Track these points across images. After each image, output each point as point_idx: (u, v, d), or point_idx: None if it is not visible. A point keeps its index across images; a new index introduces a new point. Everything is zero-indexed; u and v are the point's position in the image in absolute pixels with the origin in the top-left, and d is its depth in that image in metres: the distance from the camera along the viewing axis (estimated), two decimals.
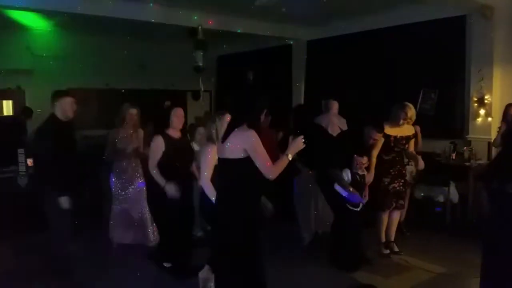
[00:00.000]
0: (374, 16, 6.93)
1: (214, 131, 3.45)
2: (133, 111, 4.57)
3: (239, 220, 2.75)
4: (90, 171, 5.37)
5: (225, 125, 3.32)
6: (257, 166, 2.67)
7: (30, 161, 5.30)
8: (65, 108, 3.83)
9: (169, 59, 8.89)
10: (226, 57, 10.08)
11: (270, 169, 2.69)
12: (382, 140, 4.29)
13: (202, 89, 6.91)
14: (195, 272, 3.67)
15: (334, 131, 5.09)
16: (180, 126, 4.04)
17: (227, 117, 3.41)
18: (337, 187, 4.09)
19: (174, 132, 4.00)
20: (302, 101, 8.36)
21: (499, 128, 5.00)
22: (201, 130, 4.90)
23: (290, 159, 2.75)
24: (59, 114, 3.84)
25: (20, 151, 5.18)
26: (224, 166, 2.83)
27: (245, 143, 2.68)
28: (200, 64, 6.49)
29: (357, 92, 7.17)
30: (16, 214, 5.26)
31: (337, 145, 4.35)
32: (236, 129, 2.73)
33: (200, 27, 6.54)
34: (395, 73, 6.82)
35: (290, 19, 7.53)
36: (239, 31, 7.31)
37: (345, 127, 5.27)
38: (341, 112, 6.07)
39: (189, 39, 6.84)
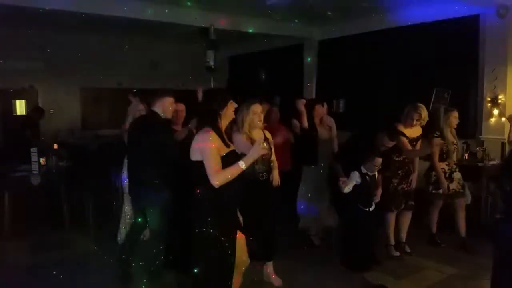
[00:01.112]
0: (387, 16, 6.88)
1: (241, 120, 3.44)
2: (181, 107, 4.34)
3: (199, 224, 2.63)
4: (103, 171, 5.45)
5: (251, 115, 3.41)
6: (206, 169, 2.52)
7: (43, 160, 5.39)
8: (166, 108, 3.70)
9: (181, 59, 8.95)
10: (238, 57, 10.09)
11: (215, 175, 2.51)
12: (439, 145, 4.41)
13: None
14: None
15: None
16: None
17: (255, 107, 3.47)
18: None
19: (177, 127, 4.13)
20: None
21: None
22: None
23: (244, 168, 2.56)
24: (159, 112, 3.67)
25: (33, 150, 5.26)
26: (189, 168, 2.69)
27: (199, 144, 2.59)
28: (212, 64, 6.51)
29: (369, 92, 7.13)
30: (30, 212, 5.37)
31: (349, 146, 4.35)
32: (200, 130, 2.67)
33: (212, 27, 6.56)
34: (407, 72, 6.77)
35: (301, 19, 7.52)
36: (250, 31, 7.32)
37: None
38: (352, 112, 6.10)
39: (201, 39, 6.88)
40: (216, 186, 2.53)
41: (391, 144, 4.10)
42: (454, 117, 4.67)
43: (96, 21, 6.68)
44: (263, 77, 8.59)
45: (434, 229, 4.85)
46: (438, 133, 4.55)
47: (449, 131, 4.63)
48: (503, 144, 5.50)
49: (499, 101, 5.75)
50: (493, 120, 5.82)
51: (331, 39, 8.15)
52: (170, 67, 9.07)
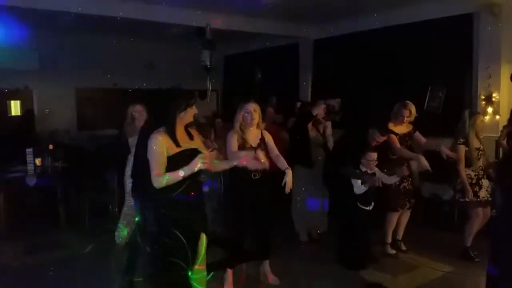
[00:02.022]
0: (382, 15, 6.90)
1: (235, 119, 3.51)
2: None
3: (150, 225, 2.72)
4: (99, 171, 5.43)
5: (243, 113, 3.46)
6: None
7: (38, 161, 5.38)
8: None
9: (176, 59, 8.94)
10: (234, 57, 10.10)
11: (154, 178, 2.59)
12: (463, 151, 4.23)
13: (210, 89, 6.94)
14: None
15: None
16: None
17: (248, 105, 3.51)
18: (355, 183, 4.09)
19: None
20: (309, 100, 8.35)
21: (504, 127, 4.97)
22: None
23: (182, 176, 2.58)
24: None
25: (29, 150, 5.24)
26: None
27: (148, 146, 2.64)
28: (208, 63, 6.51)
29: (364, 90, 7.16)
30: (26, 213, 5.35)
31: (344, 145, 4.37)
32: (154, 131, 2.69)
33: (208, 27, 6.56)
34: (402, 71, 6.80)
35: (297, 18, 7.54)
36: (246, 30, 7.32)
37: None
38: (348, 111, 6.12)
39: (197, 39, 6.87)
40: (157, 188, 2.61)
41: (382, 139, 4.11)
42: (481, 121, 4.39)
43: (92, 21, 6.67)
44: (259, 76, 8.60)
45: (468, 242, 4.39)
46: (462, 140, 4.30)
47: (474, 136, 4.34)
48: (497, 142, 5.53)
49: (493, 99, 5.80)
50: (487, 118, 5.84)
51: (327, 38, 8.17)
52: (166, 67, 9.06)
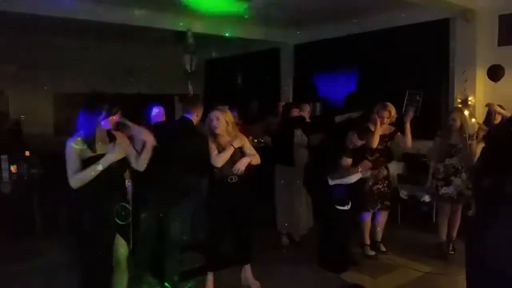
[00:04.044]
0: (361, 20, 7.01)
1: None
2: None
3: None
4: None
5: (224, 119, 3.50)
6: None
7: (14, 167, 5.24)
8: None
9: (157, 63, 8.87)
10: (215, 61, 10.09)
11: (69, 178, 2.73)
12: (436, 144, 4.43)
13: (191, 93, 6.91)
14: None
15: None
16: None
17: (212, 113, 3.53)
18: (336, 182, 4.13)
19: None
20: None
21: (479, 129, 5.08)
22: None
23: (100, 169, 2.68)
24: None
25: (4, 157, 5.11)
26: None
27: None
28: (189, 68, 6.48)
29: (344, 95, 7.25)
30: (1, 222, 5.20)
31: (324, 148, 4.40)
32: None
33: (188, 31, 6.54)
34: (381, 75, 6.91)
35: (277, 24, 7.59)
36: (227, 35, 7.33)
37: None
38: (329, 114, 6.18)
39: (178, 43, 6.84)
40: (74, 187, 2.71)
41: (360, 142, 4.16)
42: (458, 117, 4.47)
43: (71, 25, 6.57)
44: (240, 81, 8.62)
45: (440, 236, 4.58)
46: (440, 133, 4.59)
47: (450, 132, 4.48)
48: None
49: (469, 102, 5.93)
50: None
51: (307, 43, 8.25)
52: (147, 71, 8.97)
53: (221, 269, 3.83)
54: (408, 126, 4.53)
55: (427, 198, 5.05)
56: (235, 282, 3.84)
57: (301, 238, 4.96)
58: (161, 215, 3.46)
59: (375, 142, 4.41)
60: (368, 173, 4.25)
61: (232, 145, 3.53)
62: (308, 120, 5.17)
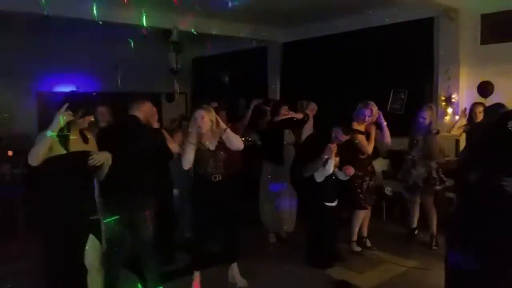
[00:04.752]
0: (347, 19, 7.07)
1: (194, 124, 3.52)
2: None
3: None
4: None
5: (192, 121, 3.49)
6: None
7: None
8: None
9: (143, 61, 8.78)
10: (202, 59, 10.05)
11: (28, 156, 2.75)
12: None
13: (178, 91, 6.89)
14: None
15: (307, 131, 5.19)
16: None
17: (196, 112, 3.52)
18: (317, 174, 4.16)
19: None
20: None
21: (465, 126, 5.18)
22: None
23: (49, 135, 2.70)
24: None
25: None
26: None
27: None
28: (175, 66, 6.46)
29: (331, 93, 7.29)
30: None
31: (309, 145, 4.44)
32: None
33: (175, 29, 6.51)
34: (367, 74, 6.97)
35: (265, 22, 7.59)
36: (214, 33, 7.31)
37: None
38: (316, 113, 6.18)
39: (164, 41, 6.80)
40: (32, 164, 2.71)
41: (344, 138, 4.20)
42: (422, 116, 4.85)
43: (54, 22, 6.48)
44: (228, 79, 8.60)
45: (410, 223, 4.99)
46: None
47: (421, 129, 4.84)
48: (457, 141, 5.75)
49: (453, 100, 6.03)
50: (447, 118, 6.08)
51: (295, 41, 8.28)
52: (132, 69, 8.90)
53: (207, 268, 3.83)
54: (384, 123, 4.63)
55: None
56: (222, 280, 3.85)
57: (288, 235, 4.99)
58: (127, 216, 3.38)
59: (371, 147, 4.51)
60: (348, 172, 4.23)
61: (191, 142, 3.48)
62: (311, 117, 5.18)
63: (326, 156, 4.08)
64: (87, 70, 8.31)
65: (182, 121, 4.94)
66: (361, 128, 4.55)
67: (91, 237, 2.90)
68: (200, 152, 3.53)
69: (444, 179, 4.77)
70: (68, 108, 2.73)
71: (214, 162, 3.54)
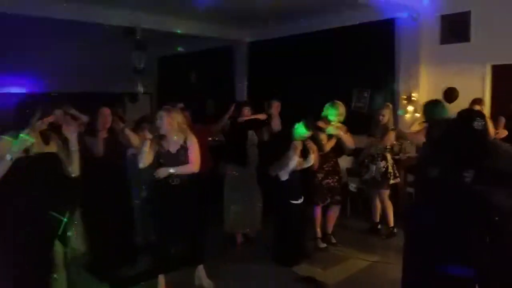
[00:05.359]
0: (312, 20, 7.16)
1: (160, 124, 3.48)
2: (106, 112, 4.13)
3: None
4: None
5: (169, 119, 3.44)
6: None
7: None
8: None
9: (105, 60, 8.58)
10: (168, 58, 9.93)
11: None
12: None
13: (141, 92, 6.76)
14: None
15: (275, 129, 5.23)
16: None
17: (158, 114, 3.50)
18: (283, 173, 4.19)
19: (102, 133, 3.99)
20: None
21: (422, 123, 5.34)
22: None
23: (9, 159, 2.63)
24: None
25: None
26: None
27: None
28: (139, 65, 6.34)
29: (297, 92, 7.36)
30: None
31: (272, 145, 4.46)
32: None
33: (138, 27, 6.39)
34: (332, 73, 7.09)
35: (231, 21, 7.58)
36: (178, 31, 7.23)
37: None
38: (282, 113, 6.23)
39: (128, 39, 6.67)
40: None
41: (308, 134, 4.25)
42: (381, 115, 5.12)
43: (13, 21, 6.23)
44: (194, 79, 8.53)
45: (373, 217, 5.20)
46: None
47: (379, 127, 5.12)
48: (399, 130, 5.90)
49: (413, 98, 6.22)
50: (408, 116, 6.26)
51: (261, 41, 8.31)
52: (94, 69, 8.66)
53: (172, 271, 3.78)
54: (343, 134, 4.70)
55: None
56: (189, 282, 3.81)
57: (255, 234, 4.99)
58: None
59: (323, 140, 4.55)
60: (311, 162, 4.29)
61: (148, 138, 3.45)
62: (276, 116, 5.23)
63: (292, 154, 4.11)
64: (47, 70, 8.03)
65: (142, 123, 4.88)
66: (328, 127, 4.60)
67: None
68: (161, 155, 3.48)
69: (397, 174, 5.08)
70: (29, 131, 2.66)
71: (174, 165, 3.49)
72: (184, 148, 3.56)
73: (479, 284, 2.65)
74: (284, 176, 4.19)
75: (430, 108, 3.97)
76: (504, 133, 4.73)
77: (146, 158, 3.43)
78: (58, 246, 2.88)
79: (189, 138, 3.62)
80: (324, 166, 4.61)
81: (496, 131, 4.59)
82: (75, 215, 3.81)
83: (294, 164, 4.15)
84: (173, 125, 3.51)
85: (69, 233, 3.93)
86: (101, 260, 3.91)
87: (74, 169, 2.93)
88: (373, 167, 5.00)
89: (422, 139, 4.15)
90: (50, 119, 2.80)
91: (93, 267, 3.92)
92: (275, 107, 5.42)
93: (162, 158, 3.50)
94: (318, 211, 4.68)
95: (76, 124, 3.37)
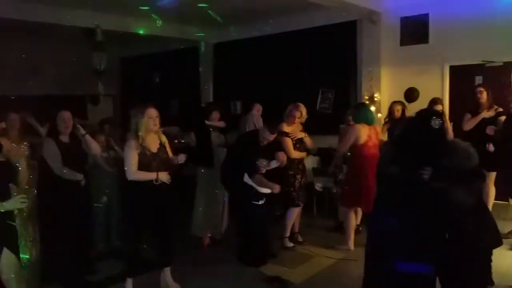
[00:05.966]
0: (276, 21, 7.23)
1: (136, 125, 3.40)
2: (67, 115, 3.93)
3: None
4: None
5: (146, 119, 3.38)
6: None
7: None
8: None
9: (65, 62, 8.28)
10: (131, 60, 9.72)
11: None
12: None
13: (103, 93, 6.57)
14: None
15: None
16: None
17: (150, 111, 3.42)
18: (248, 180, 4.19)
19: (63, 137, 3.84)
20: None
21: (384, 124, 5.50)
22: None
23: None
24: None
25: None
26: None
27: None
28: (99, 67, 6.17)
29: (262, 93, 7.38)
30: None
31: (240, 145, 4.45)
32: None
33: (98, 28, 6.22)
34: (297, 74, 7.17)
35: (195, 22, 7.51)
36: (141, 32, 7.09)
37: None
38: (248, 113, 6.26)
39: (88, 41, 6.47)
40: None
41: (272, 137, 4.27)
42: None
43: None
44: (158, 80, 8.39)
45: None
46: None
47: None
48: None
49: (375, 99, 6.38)
50: None
51: (226, 42, 8.29)
52: (53, 71, 8.34)
53: (141, 274, 3.70)
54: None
55: (334, 188, 5.46)
56: (155, 285, 3.73)
57: (222, 236, 4.96)
58: None
59: (289, 144, 4.58)
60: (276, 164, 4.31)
61: (153, 151, 3.45)
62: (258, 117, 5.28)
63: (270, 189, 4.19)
64: (2, 72, 7.65)
65: (104, 125, 4.74)
66: (290, 129, 4.64)
67: (5, 250, 2.71)
68: (143, 155, 3.40)
69: None
70: None
71: (157, 165, 3.42)
72: (163, 148, 3.53)
73: (439, 279, 2.75)
74: (247, 178, 4.19)
75: (356, 111, 4.51)
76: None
77: (134, 166, 3.36)
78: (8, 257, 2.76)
79: (161, 136, 3.59)
80: (300, 166, 4.68)
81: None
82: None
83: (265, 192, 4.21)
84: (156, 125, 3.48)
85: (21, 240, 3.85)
86: (57, 267, 3.77)
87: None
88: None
89: (344, 146, 4.53)
90: (1, 125, 2.70)
91: (52, 275, 3.77)
92: (257, 109, 5.47)
93: (144, 158, 3.40)
94: (297, 211, 4.72)
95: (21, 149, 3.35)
